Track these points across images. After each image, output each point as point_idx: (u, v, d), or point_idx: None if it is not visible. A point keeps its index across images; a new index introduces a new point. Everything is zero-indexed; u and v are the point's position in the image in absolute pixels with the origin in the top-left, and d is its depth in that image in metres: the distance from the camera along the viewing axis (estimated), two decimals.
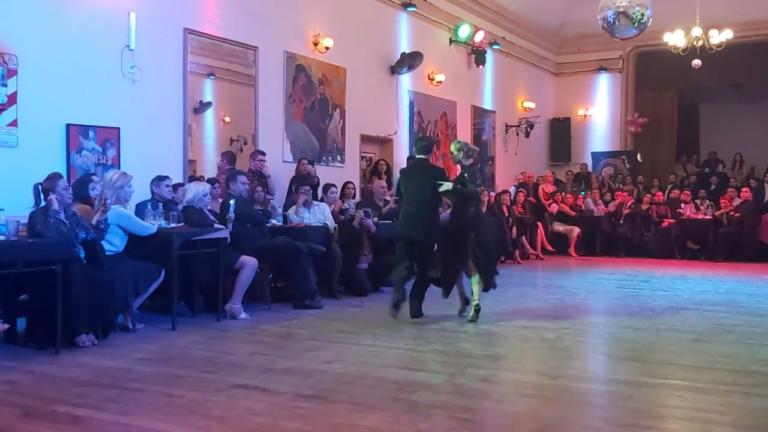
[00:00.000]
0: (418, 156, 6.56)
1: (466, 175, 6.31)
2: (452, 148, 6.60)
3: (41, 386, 4.10)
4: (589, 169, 15.70)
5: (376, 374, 4.39)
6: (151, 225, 5.81)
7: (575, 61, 16.19)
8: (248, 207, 7.02)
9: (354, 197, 9.19)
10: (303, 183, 8.24)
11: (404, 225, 6.36)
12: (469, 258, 6.17)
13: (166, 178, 6.52)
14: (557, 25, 15.75)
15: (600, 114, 16.32)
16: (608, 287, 8.93)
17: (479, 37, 12.77)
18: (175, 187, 6.84)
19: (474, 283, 6.23)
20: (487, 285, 6.25)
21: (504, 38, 14.06)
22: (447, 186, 6.19)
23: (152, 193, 6.45)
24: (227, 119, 8.54)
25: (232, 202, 6.54)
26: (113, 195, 5.60)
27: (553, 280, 9.65)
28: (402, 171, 7.07)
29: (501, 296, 6.87)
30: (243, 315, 6.31)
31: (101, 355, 4.80)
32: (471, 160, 6.47)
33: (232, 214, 6.47)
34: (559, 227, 13.30)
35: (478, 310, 6.16)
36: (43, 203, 5.14)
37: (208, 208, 6.61)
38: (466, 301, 6.44)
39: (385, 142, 11.26)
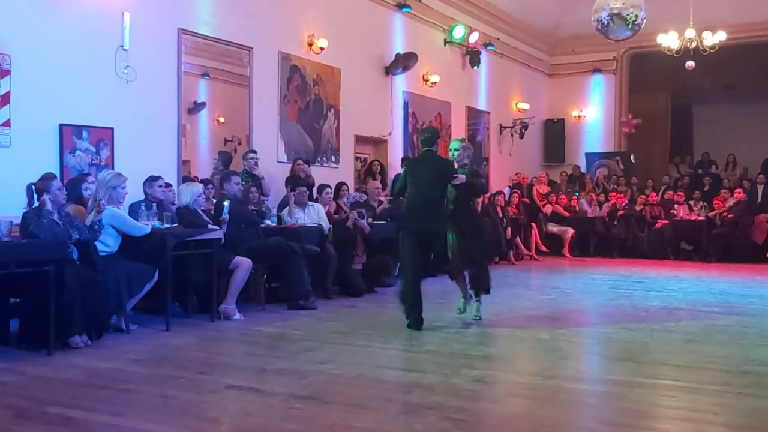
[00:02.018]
0: (424, 149, 6.26)
1: (468, 171, 6.16)
2: (455, 145, 6.32)
3: (34, 387, 4.08)
4: (583, 170, 15.76)
5: (370, 375, 4.38)
6: (144, 225, 5.79)
7: (569, 62, 16.22)
8: (242, 207, 7.00)
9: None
10: (298, 184, 8.22)
11: (414, 217, 5.94)
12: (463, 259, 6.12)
13: (158, 178, 6.50)
14: (551, 27, 15.78)
15: (594, 115, 16.36)
16: (602, 288, 8.94)
17: (474, 38, 12.79)
18: (165, 186, 6.80)
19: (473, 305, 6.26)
20: (482, 290, 6.23)
21: (498, 39, 14.08)
22: (463, 178, 5.98)
23: (145, 194, 6.43)
24: (221, 120, 8.53)
25: (226, 203, 6.53)
26: (106, 195, 5.58)
27: (547, 281, 9.66)
28: (409, 163, 6.73)
29: (495, 297, 6.86)
30: (237, 316, 6.29)
31: (94, 356, 4.78)
32: (468, 161, 6.37)
33: (226, 216, 6.46)
34: (553, 228, 13.32)
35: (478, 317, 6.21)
36: (36, 204, 5.12)
37: (202, 208, 6.59)
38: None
39: (379, 143, 11.26)
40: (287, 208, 7.86)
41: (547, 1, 14.68)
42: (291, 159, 9.01)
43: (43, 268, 4.75)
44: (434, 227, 5.95)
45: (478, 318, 6.19)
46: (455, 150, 6.29)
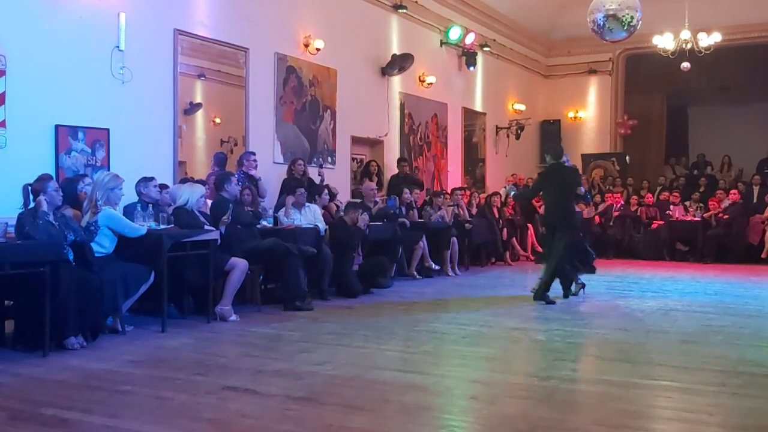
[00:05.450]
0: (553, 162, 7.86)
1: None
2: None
3: (29, 389, 4.07)
4: (579, 170, 15.77)
5: (366, 376, 4.38)
6: (140, 226, 5.78)
7: (565, 64, 16.26)
8: (239, 208, 6.99)
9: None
10: (297, 185, 8.20)
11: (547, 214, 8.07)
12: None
13: (152, 179, 6.46)
14: (547, 28, 15.81)
15: (590, 116, 16.40)
16: (598, 289, 8.93)
17: (470, 39, 12.80)
18: (161, 187, 6.79)
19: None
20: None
21: (494, 40, 14.10)
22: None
23: (139, 194, 6.38)
24: (217, 120, 8.52)
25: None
26: (103, 196, 5.56)
27: None
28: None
29: (491, 298, 6.87)
30: (233, 317, 6.28)
31: (90, 358, 4.77)
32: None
33: (228, 217, 6.44)
34: None
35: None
36: (32, 204, 5.11)
37: (201, 210, 6.58)
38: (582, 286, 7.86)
39: (375, 144, 11.26)
40: (284, 208, 7.85)
41: (543, 3, 14.71)
42: (287, 160, 9.00)
43: (38, 269, 4.73)
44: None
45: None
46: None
